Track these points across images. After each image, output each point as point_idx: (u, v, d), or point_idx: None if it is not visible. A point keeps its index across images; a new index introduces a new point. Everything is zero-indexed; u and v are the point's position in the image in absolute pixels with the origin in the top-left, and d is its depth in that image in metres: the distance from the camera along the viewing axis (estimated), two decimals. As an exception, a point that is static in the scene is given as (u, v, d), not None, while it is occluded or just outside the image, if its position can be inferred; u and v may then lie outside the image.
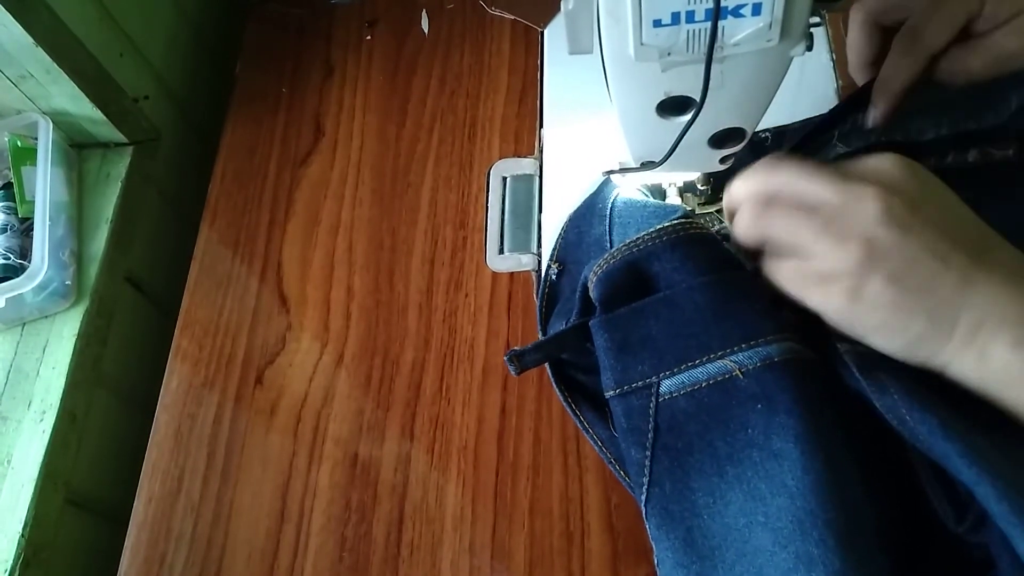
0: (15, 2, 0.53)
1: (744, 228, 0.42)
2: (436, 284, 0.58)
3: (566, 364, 0.49)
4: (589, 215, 0.53)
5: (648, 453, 0.41)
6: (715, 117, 0.42)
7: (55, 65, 0.58)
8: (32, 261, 0.57)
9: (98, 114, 0.63)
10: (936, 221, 0.37)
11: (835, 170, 0.40)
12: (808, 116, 0.55)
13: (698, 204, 0.54)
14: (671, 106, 0.41)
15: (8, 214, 0.62)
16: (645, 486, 0.41)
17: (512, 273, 0.57)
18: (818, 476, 0.37)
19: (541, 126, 0.62)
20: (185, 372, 0.58)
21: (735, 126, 0.43)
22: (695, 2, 0.34)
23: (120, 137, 0.66)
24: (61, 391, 0.57)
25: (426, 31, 0.70)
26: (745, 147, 0.46)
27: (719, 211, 0.53)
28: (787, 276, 0.40)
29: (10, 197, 0.62)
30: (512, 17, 0.68)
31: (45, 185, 0.60)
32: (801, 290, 0.40)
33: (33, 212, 0.60)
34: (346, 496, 0.52)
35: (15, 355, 0.59)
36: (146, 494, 0.54)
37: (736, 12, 0.34)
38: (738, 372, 0.40)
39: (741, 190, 0.43)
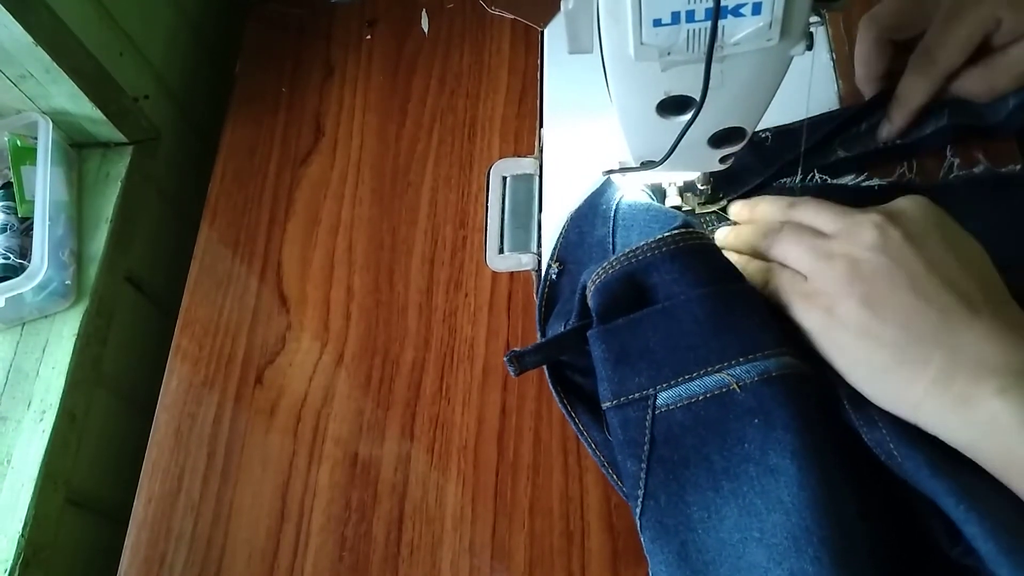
0: (15, 2, 0.53)
1: (753, 241, 0.44)
2: (436, 284, 0.58)
3: (563, 365, 0.49)
4: (591, 216, 0.53)
5: (644, 465, 0.41)
6: (715, 117, 0.42)
7: (55, 65, 0.58)
8: (32, 261, 0.57)
9: (98, 114, 0.63)
10: (935, 261, 0.37)
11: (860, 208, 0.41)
12: (806, 116, 0.55)
13: (698, 204, 0.54)
14: (671, 106, 0.41)
15: (8, 214, 0.62)
16: (640, 499, 0.41)
17: (512, 273, 0.57)
18: (814, 493, 0.37)
19: (541, 126, 0.62)
20: (185, 372, 0.58)
21: (735, 126, 0.43)
22: (695, 1, 0.34)
23: (120, 137, 0.66)
24: (61, 391, 0.57)
25: (426, 31, 0.70)
26: (745, 147, 0.46)
27: (719, 211, 0.53)
28: (779, 286, 0.42)
29: (10, 197, 0.62)
30: (512, 17, 0.68)
31: (45, 185, 0.60)
32: (787, 302, 0.41)
33: (33, 212, 0.60)
34: (346, 496, 0.52)
35: (15, 355, 0.59)
36: (146, 494, 0.54)
37: (736, 11, 0.34)
38: (735, 386, 0.40)
39: (760, 210, 0.45)
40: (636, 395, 0.42)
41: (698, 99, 0.38)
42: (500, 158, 0.62)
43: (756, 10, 0.34)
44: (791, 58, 0.38)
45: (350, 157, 0.65)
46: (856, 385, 0.39)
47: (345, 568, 0.50)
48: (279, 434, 0.55)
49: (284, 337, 0.58)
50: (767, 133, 0.54)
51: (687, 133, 0.41)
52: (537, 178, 0.60)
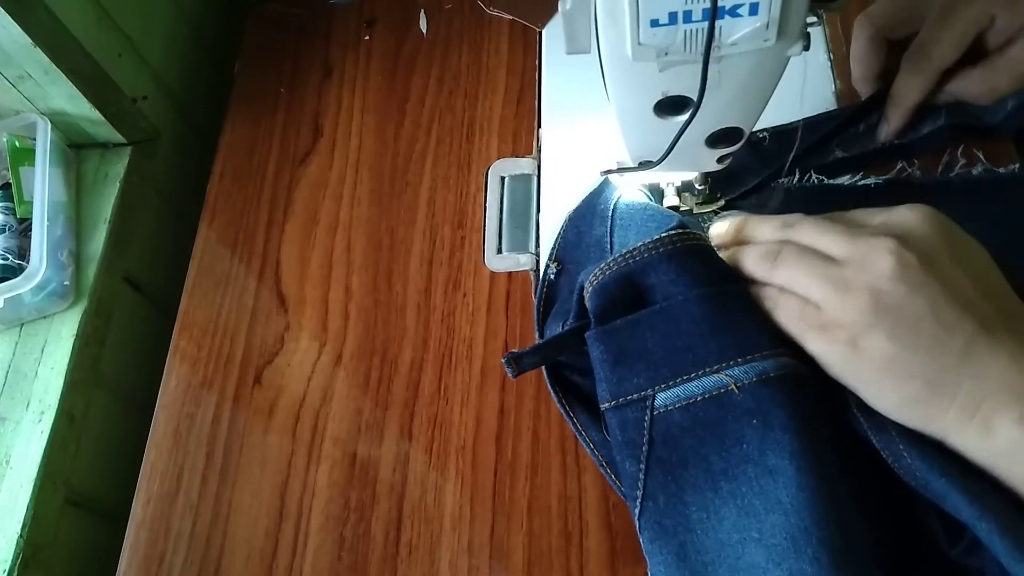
0: (13, 2, 0.53)
1: (751, 265, 0.42)
2: (434, 284, 0.58)
3: (562, 365, 0.49)
4: (589, 216, 0.54)
5: (642, 466, 0.41)
6: (713, 117, 0.42)
7: (53, 65, 0.58)
8: (30, 261, 0.57)
9: (96, 114, 0.63)
10: (951, 283, 0.36)
11: (858, 218, 0.40)
12: (805, 116, 0.55)
13: (696, 204, 0.54)
14: (669, 106, 0.41)
15: (6, 214, 0.62)
16: (639, 499, 0.41)
17: (510, 273, 0.57)
18: (813, 493, 0.37)
19: (539, 126, 0.62)
20: (184, 372, 0.58)
21: (733, 126, 0.44)
22: (692, 2, 0.34)
23: (118, 137, 0.66)
24: (60, 391, 0.57)
25: (424, 31, 0.70)
26: (743, 147, 0.46)
27: (717, 211, 0.54)
28: (788, 316, 0.40)
29: (8, 198, 0.62)
30: (510, 17, 0.69)
31: (43, 185, 0.60)
32: (801, 333, 0.39)
33: (31, 212, 0.60)
34: (345, 496, 0.52)
35: (13, 355, 0.59)
36: (145, 494, 0.54)
37: (733, 12, 0.34)
38: (733, 386, 0.40)
39: (750, 230, 0.43)
40: (634, 396, 0.42)
41: (696, 99, 0.38)
42: (498, 158, 0.62)
43: (753, 10, 0.34)
44: (788, 58, 0.38)
45: (348, 157, 0.65)
46: (882, 412, 0.38)
47: (344, 568, 0.50)
48: (278, 434, 0.55)
49: (283, 337, 0.58)
50: (765, 133, 0.55)
51: (685, 133, 0.42)
52: (535, 178, 0.60)
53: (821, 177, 0.53)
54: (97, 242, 0.62)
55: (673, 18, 0.35)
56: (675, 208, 0.54)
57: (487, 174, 0.62)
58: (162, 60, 0.71)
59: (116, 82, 0.64)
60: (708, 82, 0.37)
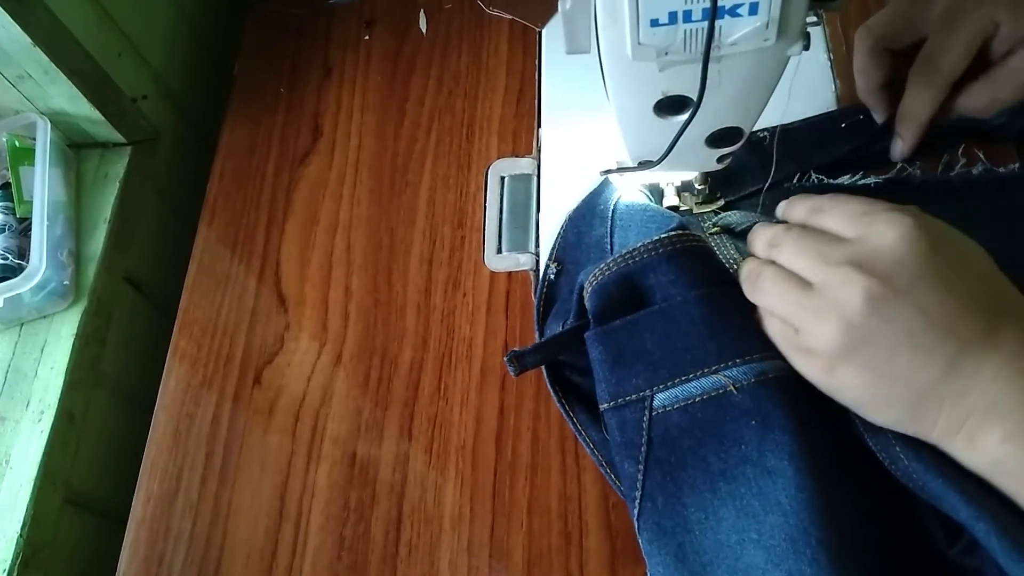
0: (13, 2, 0.53)
1: (742, 283, 0.42)
2: (434, 284, 0.58)
3: (561, 365, 0.49)
4: (589, 216, 0.54)
5: (641, 467, 0.41)
6: (712, 116, 0.42)
7: (53, 65, 0.58)
8: (30, 261, 0.57)
9: (96, 114, 0.63)
10: (928, 307, 0.35)
11: (837, 227, 0.38)
12: (805, 116, 0.55)
13: (696, 203, 0.54)
14: (668, 105, 0.41)
15: (6, 214, 0.62)
16: (638, 500, 0.41)
17: (510, 272, 0.57)
18: (812, 494, 0.37)
19: (539, 126, 0.62)
20: (183, 372, 0.58)
21: (732, 125, 0.44)
22: (692, 1, 0.34)
23: (118, 137, 0.66)
24: (59, 391, 0.57)
25: (424, 31, 0.70)
26: (743, 147, 0.46)
27: (716, 210, 0.54)
28: (772, 335, 0.40)
29: (8, 197, 0.62)
30: (510, 17, 0.69)
31: (43, 185, 0.60)
32: (785, 351, 0.40)
33: (31, 212, 0.60)
34: (344, 496, 0.52)
35: (13, 355, 0.59)
36: (144, 493, 0.54)
37: (733, 11, 0.34)
38: (732, 387, 0.40)
39: (754, 243, 0.43)
40: (633, 396, 0.42)
41: (695, 99, 0.38)
42: (498, 158, 0.62)
43: (753, 10, 0.34)
44: (788, 58, 0.38)
45: (348, 157, 0.65)
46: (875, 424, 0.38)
47: (343, 568, 0.50)
48: (277, 434, 0.55)
49: (282, 337, 0.58)
50: (765, 133, 0.55)
51: (685, 133, 0.41)
52: (535, 178, 0.60)
53: (821, 177, 0.53)
54: (97, 242, 0.62)
55: (673, 18, 0.35)
56: (675, 208, 0.54)
57: (487, 174, 0.62)
58: (162, 60, 0.71)
59: (116, 82, 0.64)
60: (708, 82, 0.37)
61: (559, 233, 0.54)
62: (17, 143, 0.63)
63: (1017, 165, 0.51)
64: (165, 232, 0.71)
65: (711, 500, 0.39)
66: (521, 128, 0.63)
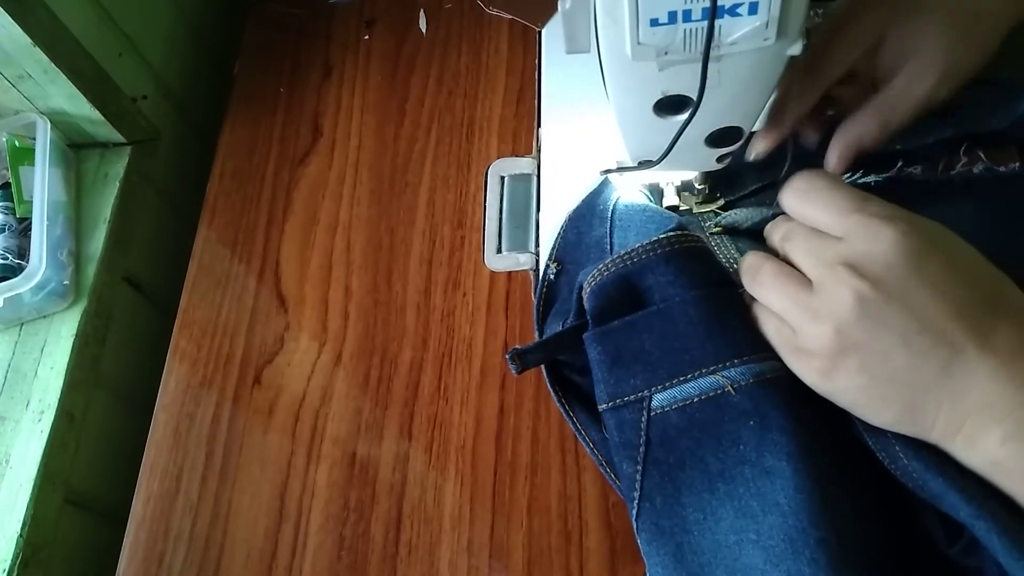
0: (13, 2, 0.53)
1: (742, 277, 0.42)
2: (434, 284, 0.58)
3: (561, 364, 0.49)
4: (589, 216, 0.53)
5: (639, 467, 0.41)
6: (712, 116, 0.42)
7: (53, 65, 0.58)
8: (30, 261, 0.57)
9: (96, 114, 0.63)
10: (922, 310, 0.35)
11: (827, 228, 0.38)
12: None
13: (696, 203, 0.54)
14: (668, 105, 0.41)
15: (6, 214, 0.62)
16: (636, 500, 0.41)
17: (510, 272, 0.57)
18: (811, 495, 0.37)
19: (539, 125, 0.62)
20: (183, 372, 0.58)
21: (732, 125, 0.44)
22: (692, 1, 0.34)
23: (118, 137, 0.66)
24: (59, 391, 0.57)
25: (424, 31, 0.70)
26: (743, 146, 0.46)
27: (716, 210, 0.54)
28: (768, 334, 0.40)
29: (8, 197, 0.62)
30: (510, 17, 0.69)
31: (43, 185, 0.60)
32: (780, 352, 0.39)
33: (31, 212, 0.60)
34: (344, 495, 0.52)
35: (13, 355, 0.59)
36: (144, 493, 0.54)
37: (733, 11, 0.34)
38: (730, 388, 0.40)
39: (771, 236, 0.42)
40: (631, 397, 0.42)
41: (695, 98, 0.38)
42: (498, 158, 0.62)
43: (753, 10, 0.34)
44: (788, 58, 0.38)
45: (348, 157, 0.65)
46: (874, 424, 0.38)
47: (343, 568, 0.50)
48: (277, 434, 0.55)
49: (282, 337, 0.58)
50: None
51: (684, 132, 0.42)
52: (535, 178, 0.60)
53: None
54: (97, 242, 0.62)
55: (673, 17, 0.35)
56: (675, 208, 0.54)
57: (487, 174, 0.62)
58: (162, 60, 0.71)
59: (116, 82, 0.64)
60: (708, 81, 0.37)
61: (559, 233, 0.54)
62: (17, 143, 0.63)
63: (1018, 164, 0.51)
64: (165, 232, 0.71)
65: (709, 500, 0.39)
66: (521, 128, 0.63)
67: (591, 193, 0.54)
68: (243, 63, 0.72)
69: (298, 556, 0.50)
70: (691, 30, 0.35)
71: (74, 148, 0.66)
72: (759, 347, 0.40)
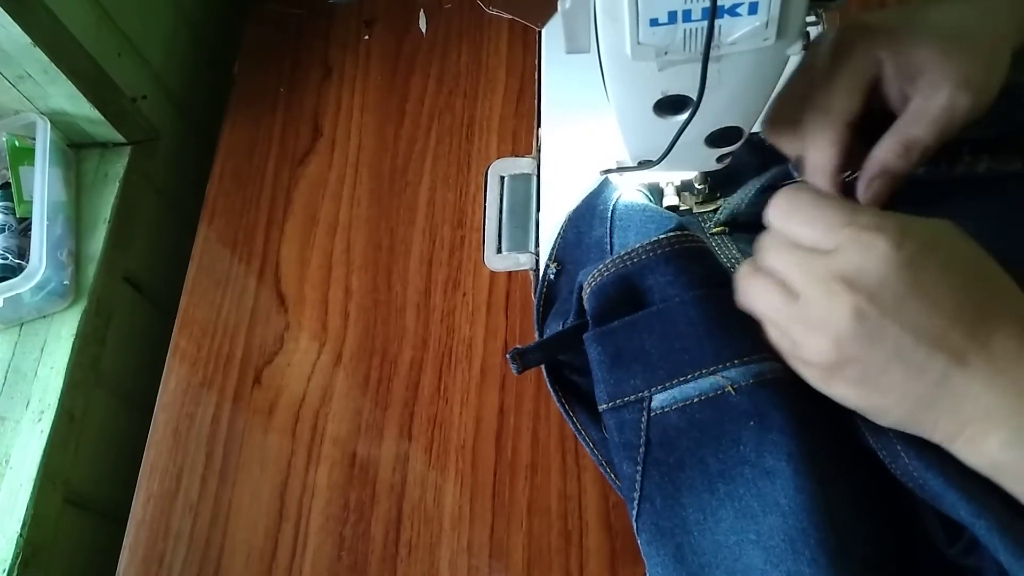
0: (13, 2, 0.53)
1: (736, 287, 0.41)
2: (434, 284, 0.58)
3: (561, 365, 0.49)
4: (589, 216, 0.53)
5: (639, 468, 0.41)
6: (712, 116, 0.42)
7: (53, 65, 0.58)
8: (30, 261, 0.57)
9: (96, 114, 0.63)
10: (916, 324, 0.34)
11: (817, 244, 0.37)
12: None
13: (695, 203, 0.54)
14: (668, 105, 0.41)
15: (6, 214, 0.62)
16: (636, 501, 0.41)
17: (510, 272, 0.57)
18: (811, 495, 0.37)
19: (539, 125, 0.62)
20: (183, 372, 0.58)
21: (732, 125, 0.44)
22: (692, 1, 0.34)
23: (118, 137, 0.66)
24: (59, 391, 0.57)
25: (424, 31, 0.70)
26: (743, 146, 0.46)
27: (716, 210, 0.54)
28: (773, 341, 0.40)
29: (8, 197, 0.62)
30: (510, 17, 0.69)
31: (43, 185, 0.60)
32: (782, 355, 0.39)
33: (31, 212, 0.60)
34: (344, 496, 0.52)
35: (13, 355, 0.59)
36: (144, 493, 0.54)
37: (733, 11, 0.34)
38: (730, 388, 0.40)
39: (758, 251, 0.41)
40: (631, 397, 0.42)
41: (695, 98, 0.38)
42: (498, 158, 0.62)
43: (752, 10, 0.34)
44: (788, 58, 0.38)
45: (348, 157, 0.65)
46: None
47: (343, 568, 0.50)
48: (277, 434, 0.55)
49: (282, 337, 0.58)
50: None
51: (684, 132, 0.41)
52: (535, 178, 0.60)
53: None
54: (97, 242, 0.62)
55: (672, 17, 0.35)
56: (675, 208, 0.54)
57: (487, 174, 0.62)
58: (162, 60, 0.71)
59: (116, 82, 0.64)
60: (708, 81, 0.37)
61: (559, 233, 0.54)
62: (17, 143, 0.63)
63: (1021, 165, 0.51)
64: (165, 232, 0.71)
65: (709, 501, 0.39)
66: (521, 128, 0.63)
67: (591, 193, 0.54)
68: (243, 63, 0.72)
69: (298, 556, 0.50)
70: (691, 30, 0.35)
71: (74, 148, 0.66)
72: (759, 347, 0.40)
